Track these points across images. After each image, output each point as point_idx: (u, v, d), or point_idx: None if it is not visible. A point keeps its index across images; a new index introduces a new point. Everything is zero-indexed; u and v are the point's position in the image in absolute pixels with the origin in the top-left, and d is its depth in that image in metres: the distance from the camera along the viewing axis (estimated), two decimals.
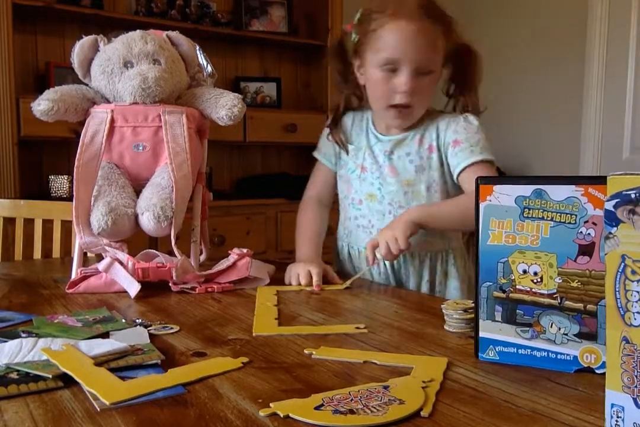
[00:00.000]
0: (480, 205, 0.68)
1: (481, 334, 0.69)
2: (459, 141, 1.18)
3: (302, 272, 1.12)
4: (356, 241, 1.28)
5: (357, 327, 0.83)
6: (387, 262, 1.22)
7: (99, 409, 0.55)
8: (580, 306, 0.64)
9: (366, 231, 1.25)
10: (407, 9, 1.12)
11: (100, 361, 0.66)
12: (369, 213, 1.25)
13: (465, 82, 1.23)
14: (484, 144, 1.18)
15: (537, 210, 0.65)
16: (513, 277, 0.67)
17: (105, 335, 0.78)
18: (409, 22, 1.11)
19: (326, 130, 1.33)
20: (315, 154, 1.35)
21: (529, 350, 0.67)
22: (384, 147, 1.24)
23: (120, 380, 0.62)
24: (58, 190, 2.38)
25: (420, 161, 1.21)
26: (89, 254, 1.25)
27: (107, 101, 1.17)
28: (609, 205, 0.47)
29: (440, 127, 1.21)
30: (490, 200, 0.67)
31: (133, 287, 1.01)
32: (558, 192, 0.64)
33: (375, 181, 1.24)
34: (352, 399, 0.57)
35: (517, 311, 0.67)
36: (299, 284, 1.10)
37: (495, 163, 1.19)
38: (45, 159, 2.58)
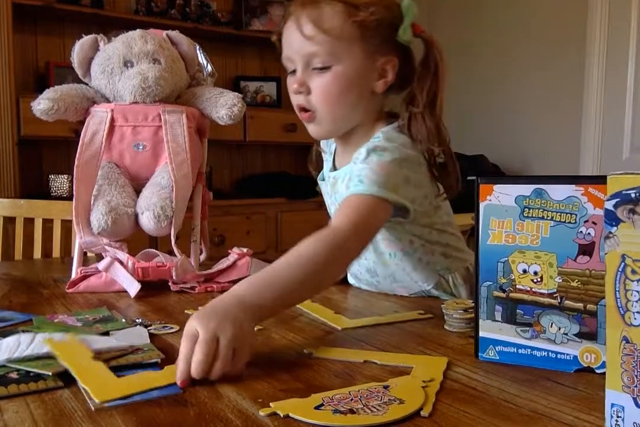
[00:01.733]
0: (480, 204, 0.68)
1: (481, 333, 0.69)
2: (354, 177, 0.91)
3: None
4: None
5: (420, 313, 0.90)
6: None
7: (93, 409, 0.55)
8: (580, 305, 0.64)
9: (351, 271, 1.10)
10: (295, 4, 0.95)
11: (101, 358, 0.66)
12: None
13: (421, 90, 0.96)
14: (380, 178, 0.88)
15: (537, 210, 0.65)
16: (513, 277, 0.67)
17: (105, 335, 0.78)
18: (296, 12, 0.94)
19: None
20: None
21: (529, 350, 0.67)
22: (326, 188, 1.10)
23: (115, 377, 0.62)
24: (58, 189, 2.38)
25: None
26: (89, 254, 1.25)
27: (107, 100, 1.17)
28: (609, 205, 0.47)
29: (359, 156, 0.94)
30: (490, 200, 0.67)
31: (133, 287, 1.01)
32: (558, 192, 0.64)
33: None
34: (352, 399, 0.57)
35: (517, 310, 0.67)
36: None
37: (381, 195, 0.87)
38: (45, 158, 2.58)
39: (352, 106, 0.97)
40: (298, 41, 0.93)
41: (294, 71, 0.96)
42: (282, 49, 0.98)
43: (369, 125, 1.00)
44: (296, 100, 0.97)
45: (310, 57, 0.93)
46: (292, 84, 0.96)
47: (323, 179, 1.12)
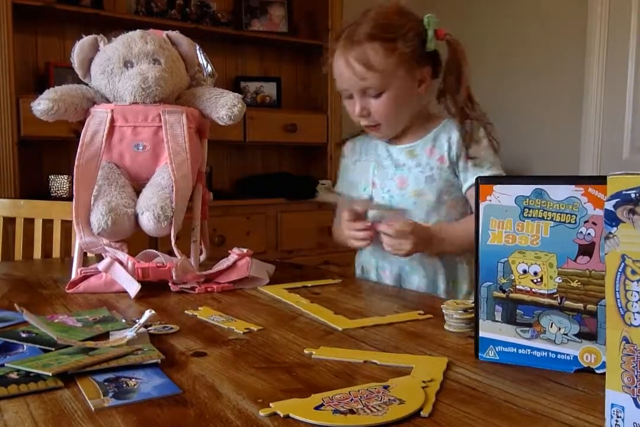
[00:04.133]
0: (480, 205, 0.68)
1: (481, 334, 0.69)
2: (469, 155, 1.19)
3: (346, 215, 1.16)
4: (369, 259, 1.28)
5: (420, 313, 0.90)
6: (394, 269, 1.24)
7: (93, 409, 0.55)
8: (580, 305, 0.64)
9: (378, 243, 1.22)
10: (345, 38, 1.16)
11: (100, 360, 0.66)
12: None
13: (451, 82, 1.21)
14: (492, 159, 1.20)
15: (537, 210, 0.65)
16: (513, 277, 0.67)
17: (105, 335, 0.78)
18: (342, 52, 1.16)
19: (342, 161, 1.37)
20: (339, 194, 1.33)
21: (529, 350, 0.67)
22: (393, 160, 1.25)
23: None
24: (58, 190, 2.38)
25: (430, 171, 1.21)
26: (89, 254, 1.25)
27: (107, 101, 1.17)
28: (609, 205, 0.47)
29: (452, 139, 1.20)
30: (490, 200, 0.67)
31: (133, 287, 1.01)
32: (558, 192, 0.64)
33: (386, 194, 1.24)
34: (352, 399, 0.57)
35: (517, 310, 0.67)
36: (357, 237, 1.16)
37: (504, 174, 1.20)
38: (45, 159, 2.58)
39: (406, 112, 1.22)
40: (350, 78, 1.16)
41: (350, 96, 1.19)
42: (336, 80, 1.21)
43: (424, 112, 1.27)
44: (360, 121, 1.21)
45: (364, 89, 1.16)
46: (352, 108, 1.20)
47: (370, 164, 1.29)
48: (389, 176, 1.24)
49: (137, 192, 1.14)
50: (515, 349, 0.67)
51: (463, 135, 1.19)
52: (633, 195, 0.46)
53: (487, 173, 1.17)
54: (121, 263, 1.05)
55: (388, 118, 1.20)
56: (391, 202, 1.23)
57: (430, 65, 1.20)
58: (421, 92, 1.21)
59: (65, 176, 2.36)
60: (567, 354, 0.65)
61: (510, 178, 0.69)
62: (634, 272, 0.46)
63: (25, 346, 0.72)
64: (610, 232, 0.47)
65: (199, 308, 0.94)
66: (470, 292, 1.21)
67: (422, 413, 0.54)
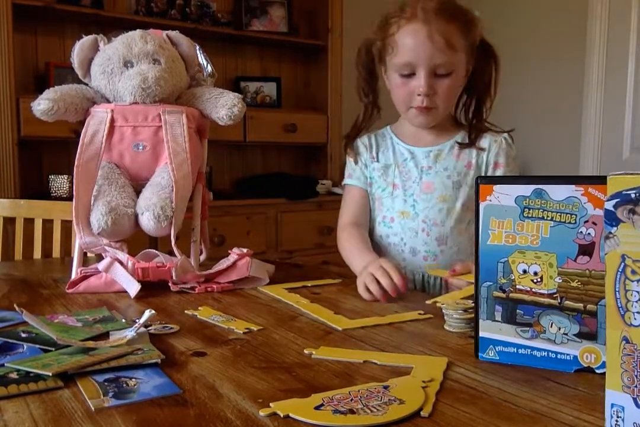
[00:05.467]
0: (480, 205, 0.68)
1: (481, 334, 0.69)
2: (500, 164, 1.20)
3: (376, 272, 0.99)
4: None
5: (420, 313, 0.90)
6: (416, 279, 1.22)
7: (93, 409, 0.55)
8: (580, 305, 0.64)
9: (397, 249, 1.23)
10: (422, 10, 1.10)
11: (100, 360, 0.66)
12: (401, 231, 1.22)
13: (483, 83, 1.21)
14: (519, 171, 1.23)
15: (537, 210, 0.65)
16: (513, 277, 0.67)
17: (105, 335, 0.78)
18: (422, 24, 1.10)
19: (350, 156, 1.31)
20: (346, 181, 1.30)
21: (529, 350, 0.67)
22: (419, 163, 1.23)
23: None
24: (58, 190, 2.38)
25: (457, 177, 1.20)
26: (89, 254, 1.25)
27: (107, 101, 1.17)
28: (609, 205, 0.47)
29: (487, 146, 1.21)
30: (490, 200, 0.67)
31: (133, 287, 1.01)
32: (558, 192, 0.64)
33: (409, 198, 1.22)
34: (352, 399, 0.57)
35: (517, 310, 0.67)
36: (379, 290, 0.98)
37: None
38: (45, 159, 2.58)
39: (454, 101, 1.21)
40: (429, 51, 1.10)
41: (408, 75, 1.13)
42: (399, 53, 1.13)
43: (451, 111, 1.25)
44: (418, 101, 1.14)
45: (437, 66, 1.11)
46: (418, 87, 1.13)
47: (390, 165, 1.26)
48: (413, 179, 1.22)
49: (137, 192, 1.13)
50: (515, 349, 0.67)
51: (502, 147, 1.20)
52: (633, 195, 0.46)
53: None
54: (121, 263, 1.05)
55: (448, 101, 1.17)
56: (414, 206, 1.21)
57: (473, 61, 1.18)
58: (463, 84, 1.20)
59: (65, 176, 2.36)
60: (567, 354, 0.65)
61: (510, 178, 0.69)
62: (634, 272, 0.46)
63: (25, 346, 0.72)
64: (610, 232, 0.47)
65: (199, 308, 0.94)
66: None
67: (422, 413, 0.54)
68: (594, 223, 0.62)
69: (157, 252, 1.11)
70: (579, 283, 0.63)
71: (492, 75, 1.21)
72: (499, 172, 1.20)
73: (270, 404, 0.56)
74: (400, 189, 1.23)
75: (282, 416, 0.54)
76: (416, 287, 1.21)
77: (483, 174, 1.20)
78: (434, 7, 1.10)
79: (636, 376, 0.46)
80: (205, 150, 1.27)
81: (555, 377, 0.63)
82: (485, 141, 1.21)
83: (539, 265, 0.65)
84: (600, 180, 0.60)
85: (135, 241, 1.15)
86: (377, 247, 1.25)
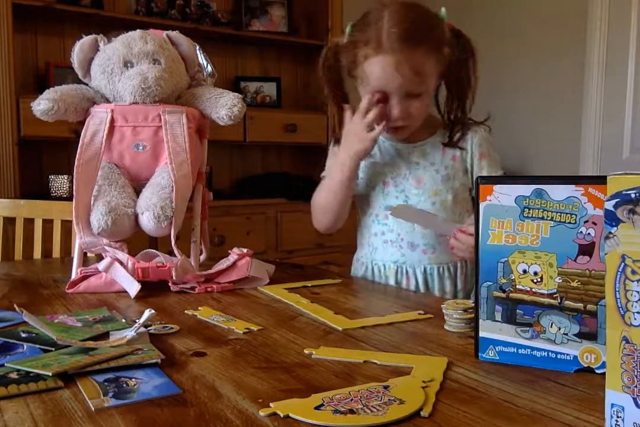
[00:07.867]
0: (480, 205, 0.68)
1: (481, 334, 0.69)
2: (484, 155, 1.22)
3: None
4: (382, 257, 1.24)
5: (420, 313, 0.90)
6: (418, 274, 1.22)
7: (93, 409, 0.55)
8: (580, 305, 0.64)
9: (395, 246, 1.23)
10: (388, 40, 1.08)
11: (100, 360, 0.66)
12: (397, 227, 1.22)
13: (462, 77, 1.19)
14: (499, 160, 1.25)
15: (537, 210, 0.65)
16: (513, 277, 0.67)
17: (105, 335, 0.78)
18: (390, 55, 1.08)
19: (333, 150, 1.32)
20: (326, 173, 1.31)
21: (529, 350, 0.67)
22: (406, 158, 1.24)
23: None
24: (58, 190, 2.38)
25: (446, 171, 1.22)
26: (89, 254, 1.25)
27: (107, 101, 1.17)
28: (609, 205, 0.47)
29: (464, 143, 1.22)
30: (490, 200, 0.67)
31: (133, 287, 1.01)
32: (558, 192, 0.64)
33: (400, 194, 1.22)
34: (352, 399, 0.57)
35: (517, 310, 0.67)
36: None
37: None
38: (45, 159, 2.58)
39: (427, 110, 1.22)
40: (398, 82, 1.10)
41: (383, 97, 1.13)
42: (369, 80, 1.13)
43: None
44: (392, 122, 1.16)
45: (408, 91, 1.12)
46: (392, 112, 1.14)
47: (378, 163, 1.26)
48: (402, 175, 1.23)
49: (137, 192, 1.14)
50: (515, 349, 0.67)
51: (483, 136, 1.22)
52: (633, 195, 0.46)
53: (500, 173, 1.22)
54: (121, 263, 1.05)
55: (419, 118, 1.18)
56: (407, 201, 1.22)
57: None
58: (437, 86, 1.22)
59: (65, 176, 2.36)
60: (567, 354, 0.65)
61: (510, 178, 0.69)
62: (634, 272, 0.46)
63: (25, 346, 0.72)
64: (610, 232, 0.47)
65: (199, 308, 0.94)
66: None
67: (422, 413, 0.54)
68: (594, 223, 0.62)
69: (157, 252, 1.11)
70: (579, 283, 0.63)
71: (470, 68, 1.19)
72: (485, 162, 1.22)
73: (270, 404, 0.56)
74: (391, 186, 1.24)
75: (282, 416, 0.54)
76: (417, 283, 1.21)
77: (468, 166, 1.23)
78: (398, 35, 1.08)
79: (636, 376, 0.46)
80: (205, 150, 1.27)
81: (555, 377, 0.63)
82: (466, 135, 1.23)
83: (539, 265, 0.65)
84: (600, 180, 0.60)
85: (135, 241, 1.15)
86: (374, 245, 1.26)
